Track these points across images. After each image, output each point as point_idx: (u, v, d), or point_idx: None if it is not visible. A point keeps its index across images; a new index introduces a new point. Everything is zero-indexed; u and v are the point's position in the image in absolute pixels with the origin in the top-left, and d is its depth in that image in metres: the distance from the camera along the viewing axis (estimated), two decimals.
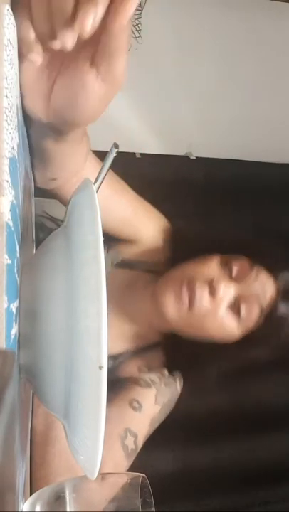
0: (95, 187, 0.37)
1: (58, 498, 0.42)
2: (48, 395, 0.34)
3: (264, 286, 0.71)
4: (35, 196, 0.63)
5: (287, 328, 0.74)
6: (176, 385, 0.78)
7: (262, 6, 1.24)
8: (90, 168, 0.64)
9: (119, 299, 0.79)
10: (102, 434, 0.30)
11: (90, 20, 0.33)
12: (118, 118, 1.12)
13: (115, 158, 0.43)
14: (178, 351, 0.78)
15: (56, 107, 0.42)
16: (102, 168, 0.42)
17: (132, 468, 1.01)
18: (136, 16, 1.10)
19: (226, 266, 0.72)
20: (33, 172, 0.58)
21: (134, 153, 1.11)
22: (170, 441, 1.04)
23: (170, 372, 0.78)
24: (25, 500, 0.43)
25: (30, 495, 0.42)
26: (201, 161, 1.18)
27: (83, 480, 0.42)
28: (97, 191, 0.36)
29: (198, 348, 0.76)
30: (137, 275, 0.82)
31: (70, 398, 0.31)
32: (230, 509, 1.03)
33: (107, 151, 0.43)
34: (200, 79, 1.25)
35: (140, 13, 1.10)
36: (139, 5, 1.10)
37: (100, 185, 0.42)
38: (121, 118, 1.15)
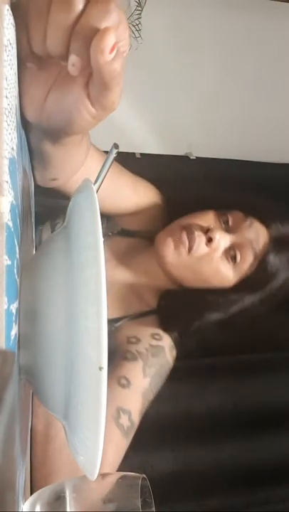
0: (95, 187, 0.36)
1: (58, 498, 0.42)
2: (48, 396, 0.34)
3: (258, 233, 0.76)
4: (36, 195, 0.63)
5: (280, 273, 0.78)
6: (166, 355, 0.78)
7: (262, 6, 1.24)
8: (93, 162, 0.64)
9: (118, 262, 0.83)
10: (102, 435, 0.30)
11: (79, 63, 0.34)
12: (118, 118, 1.12)
13: (115, 158, 0.43)
14: (172, 316, 0.81)
15: (49, 114, 0.41)
16: (102, 168, 0.42)
17: (132, 468, 1.01)
18: (136, 16, 1.10)
19: (221, 218, 0.77)
20: (32, 172, 0.58)
21: (134, 153, 1.11)
22: (170, 441, 1.04)
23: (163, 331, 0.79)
24: (25, 500, 0.43)
25: (31, 495, 0.42)
26: (201, 161, 1.18)
27: (83, 480, 0.42)
28: (97, 191, 0.36)
29: (193, 308, 0.80)
30: (136, 241, 0.87)
31: (70, 399, 0.31)
32: (230, 509, 1.03)
33: (107, 152, 0.43)
34: (200, 79, 1.25)
35: (140, 13, 1.10)
36: (139, 5, 1.10)
37: (100, 185, 0.42)
38: (121, 118, 1.15)
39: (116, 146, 0.43)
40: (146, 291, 0.83)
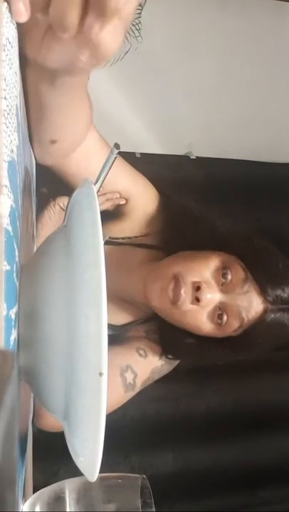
0: (95, 188, 0.36)
1: (58, 499, 0.42)
2: (48, 398, 0.34)
3: (251, 302, 0.70)
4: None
5: (264, 344, 0.75)
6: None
7: (262, 6, 1.24)
8: (92, 140, 0.63)
9: (113, 272, 0.78)
10: (102, 437, 0.30)
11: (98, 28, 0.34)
12: (118, 118, 1.12)
13: (116, 158, 0.43)
14: (166, 340, 0.81)
15: (45, 54, 0.41)
16: (103, 168, 0.42)
17: (132, 468, 1.01)
18: (136, 16, 1.09)
19: (221, 271, 0.71)
20: (32, 147, 0.56)
21: (134, 153, 1.10)
22: (170, 441, 1.05)
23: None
24: (25, 500, 0.43)
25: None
26: (201, 161, 1.18)
27: (83, 481, 0.42)
28: (97, 192, 0.36)
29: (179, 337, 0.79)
30: (130, 251, 0.83)
31: (70, 403, 0.31)
32: (230, 509, 1.04)
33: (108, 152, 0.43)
34: (200, 79, 1.25)
35: (140, 13, 1.10)
36: (139, 5, 1.10)
37: (101, 186, 0.41)
38: (121, 118, 1.15)
39: (117, 146, 0.42)
40: (141, 303, 0.81)
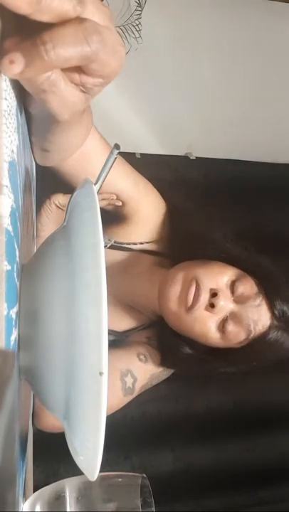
0: (96, 188, 0.36)
1: (58, 498, 0.42)
2: (48, 397, 0.34)
3: (260, 316, 0.73)
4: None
5: (264, 357, 0.77)
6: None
7: (261, 6, 1.24)
8: (93, 143, 0.63)
9: (117, 277, 0.81)
10: (102, 436, 0.30)
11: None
12: (118, 118, 1.12)
13: (116, 158, 0.43)
14: (165, 349, 0.82)
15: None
16: (103, 169, 0.42)
17: (132, 468, 1.02)
18: (136, 16, 1.10)
19: (234, 284, 0.73)
20: (31, 147, 0.56)
21: (134, 153, 1.11)
22: (170, 441, 1.05)
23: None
24: (26, 500, 0.43)
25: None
26: (201, 161, 1.18)
27: (83, 480, 0.42)
28: (98, 192, 0.36)
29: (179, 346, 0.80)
30: (136, 257, 0.83)
31: (70, 402, 0.31)
32: (230, 509, 1.04)
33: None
34: (200, 79, 1.25)
35: (140, 13, 1.10)
36: (139, 5, 1.10)
37: (101, 186, 0.41)
38: (121, 118, 1.15)
39: (117, 146, 0.42)
40: (146, 308, 0.83)
